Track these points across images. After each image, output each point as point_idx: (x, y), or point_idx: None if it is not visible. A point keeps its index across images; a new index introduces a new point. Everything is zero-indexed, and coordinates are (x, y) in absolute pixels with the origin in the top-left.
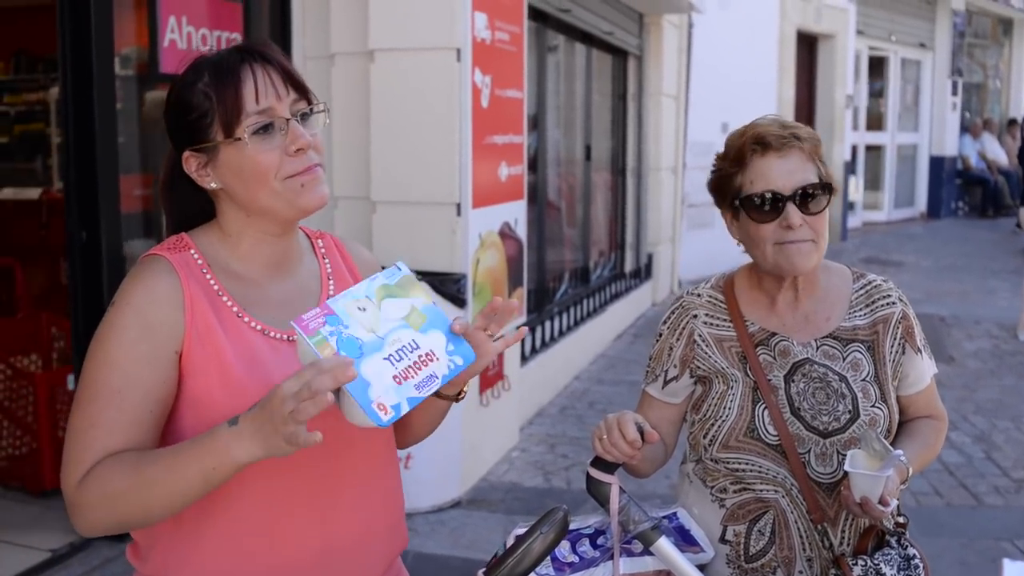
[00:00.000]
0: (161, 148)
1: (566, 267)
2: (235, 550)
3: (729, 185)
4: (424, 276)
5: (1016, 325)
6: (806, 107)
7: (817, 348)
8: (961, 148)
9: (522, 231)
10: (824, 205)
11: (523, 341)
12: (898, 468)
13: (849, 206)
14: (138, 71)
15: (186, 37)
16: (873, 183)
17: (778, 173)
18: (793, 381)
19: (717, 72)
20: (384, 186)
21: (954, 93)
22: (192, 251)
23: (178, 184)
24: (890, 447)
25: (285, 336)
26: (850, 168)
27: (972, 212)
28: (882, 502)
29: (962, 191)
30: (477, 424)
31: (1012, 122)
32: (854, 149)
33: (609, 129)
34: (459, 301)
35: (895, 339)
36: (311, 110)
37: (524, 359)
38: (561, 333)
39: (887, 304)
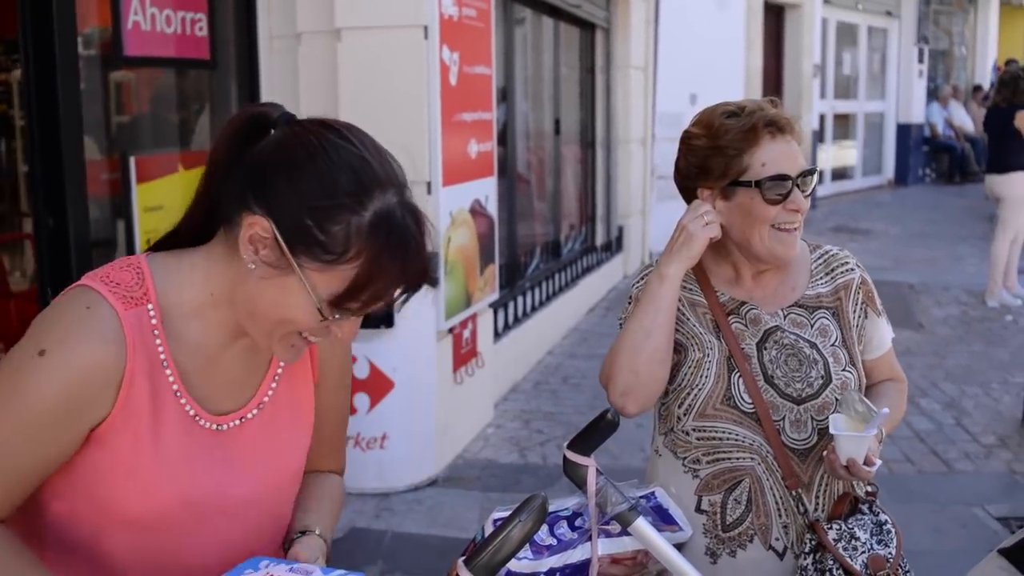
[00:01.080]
0: (131, 132)
1: (537, 241)
2: None
3: (727, 164)
4: None
5: (984, 291)
6: (774, 77)
7: (785, 317)
8: (929, 115)
9: (493, 208)
10: (813, 189)
11: (496, 317)
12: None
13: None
14: (102, 52)
15: (150, 18)
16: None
17: (788, 156)
18: (765, 349)
19: (685, 43)
20: None
21: (920, 60)
22: (149, 307)
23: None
24: (873, 407)
25: (214, 426)
26: (818, 137)
27: (939, 179)
28: (867, 462)
29: (929, 158)
30: (451, 402)
31: (977, 88)
32: (822, 118)
33: (578, 102)
34: (431, 280)
35: (857, 304)
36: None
37: (497, 335)
38: (533, 308)
39: (846, 271)
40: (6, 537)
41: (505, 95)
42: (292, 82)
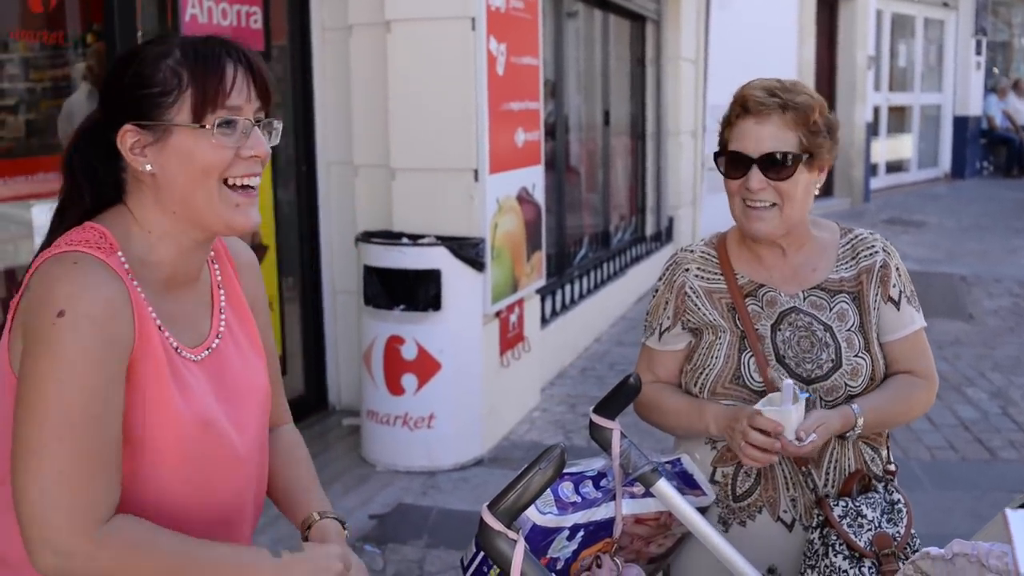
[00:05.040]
0: None
1: (586, 231)
2: None
3: (722, 140)
4: (443, 241)
5: None
6: (827, 69)
7: (804, 298)
8: (986, 108)
9: (540, 196)
10: (790, 173)
11: (543, 303)
12: (843, 415)
13: (872, 168)
14: None
15: (207, 12)
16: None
17: (750, 137)
18: (779, 330)
19: (737, 35)
20: (403, 154)
21: (978, 52)
22: (119, 254)
23: (84, 156)
24: (787, 380)
25: (193, 356)
26: (873, 129)
27: (997, 172)
28: (797, 438)
29: (987, 151)
30: (498, 385)
31: None
32: (876, 110)
33: (628, 94)
34: (478, 265)
35: (876, 287)
36: (272, 124)
37: (544, 321)
38: (581, 296)
39: (870, 254)
40: (148, 522)
41: (555, 87)
42: (343, 72)
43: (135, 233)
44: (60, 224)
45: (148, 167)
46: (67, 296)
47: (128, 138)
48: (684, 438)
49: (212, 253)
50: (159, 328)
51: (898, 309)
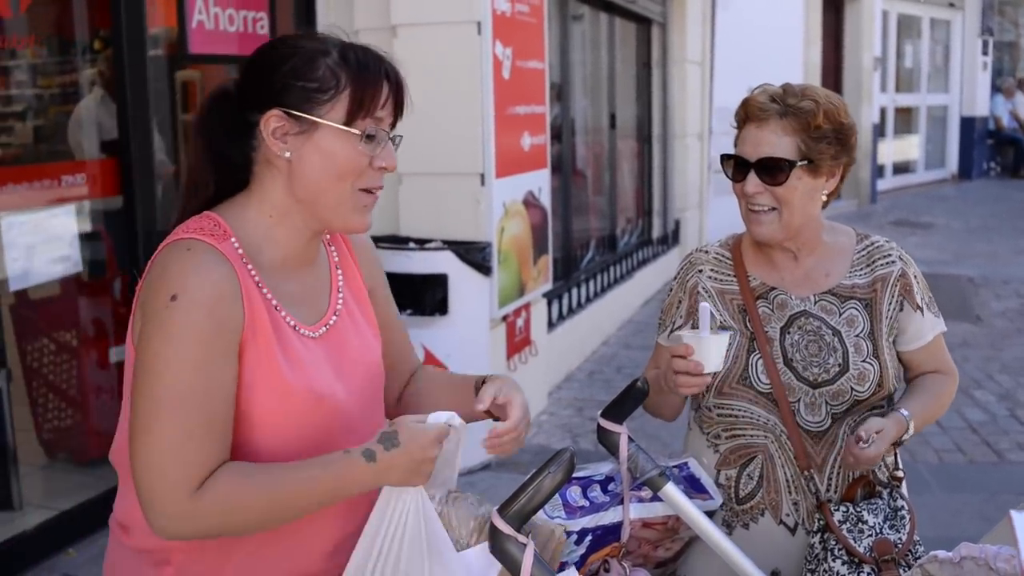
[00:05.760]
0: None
1: (593, 234)
2: (256, 562)
3: (734, 144)
4: (450, 245)
5: None
6: (833, 70)
7: (815, 303)
8: (993, 108)
9: (546, 200)
10: (785, 178)
11: (550, 307)
12: (897, 421)
13: (878, 169)
14: (168, 51)
15: (213, 18)
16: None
17: (750, 142)
18: (788, 333)
19: (743, 37)
20: (409, 158)
21: (984, 52)
22: (232, 239)
23: (212, 130)
24: (704, 303)
25: (312, 333)
26: (879, 131)
27: (1004, 172)
28: (857, 440)
29: (994, 151)
30: None
31: None
32: (883, 111)
33: (634, 97)
34: (484, 269)
35: (893, 296)
36: (397, 139)
37: (551, 325)
38: (588, 299)
39: (887, 263)
40: (245, 464)
41: (561, 91)
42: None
43: (252, 218)
44: (184, 213)
45: (287, 154)
46: (179, 281)
47: (272, 122)
48: (689, 432)
49: (327, 236)
50: (275, 308)
51: (922, 317)
